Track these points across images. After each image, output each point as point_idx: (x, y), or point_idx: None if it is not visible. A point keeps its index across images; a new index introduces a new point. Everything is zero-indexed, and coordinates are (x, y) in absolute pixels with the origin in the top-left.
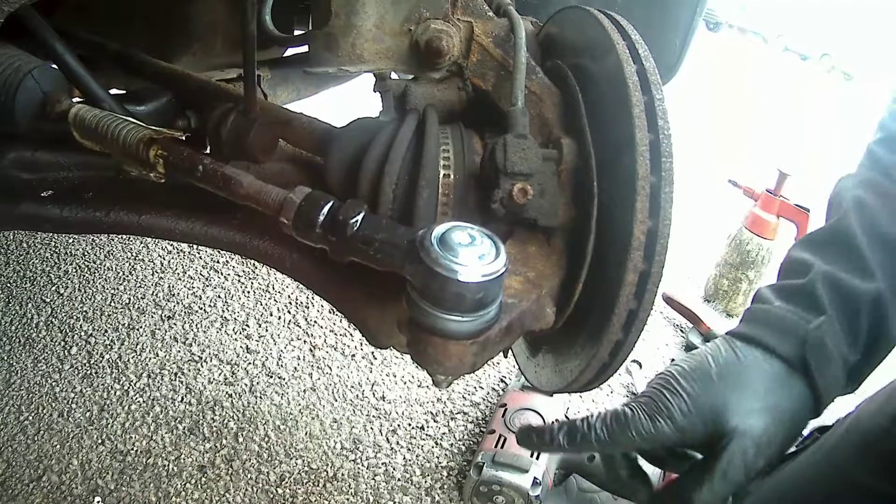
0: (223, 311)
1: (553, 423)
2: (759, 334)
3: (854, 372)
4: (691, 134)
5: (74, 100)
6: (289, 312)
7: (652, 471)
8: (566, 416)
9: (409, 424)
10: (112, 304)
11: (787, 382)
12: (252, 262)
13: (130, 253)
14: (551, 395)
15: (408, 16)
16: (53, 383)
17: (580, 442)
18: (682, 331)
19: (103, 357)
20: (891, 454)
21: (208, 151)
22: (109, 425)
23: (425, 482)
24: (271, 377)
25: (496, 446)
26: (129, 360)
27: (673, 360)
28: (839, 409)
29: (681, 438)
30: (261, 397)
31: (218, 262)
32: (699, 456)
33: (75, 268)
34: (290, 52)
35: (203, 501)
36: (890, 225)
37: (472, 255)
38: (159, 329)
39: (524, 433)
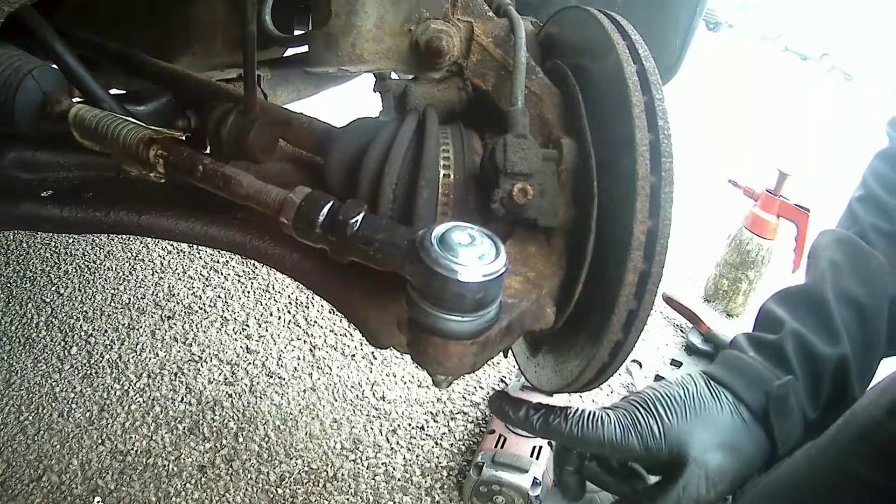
0: (223, 311)
1: (533, 404)
2: (730, 381)
3: (812, 427)
4: (691, 134)
5: (74, 100)
6: (289, 312)
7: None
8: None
9: (409, 424)
10: (112, 304)
11: (749, 428)
12: (252, 262)
13: (130, 253)
14: (551, 395)
15: (408, 16)
16: (53, 383)
17: (551, 430)
18: (682, 331)
19: (103, 357)
20: (885, 446)
21: (208, 151)
22: (109, 425)
23: (425, 482)
24: (271, 377)
25: (496, 446)
26: (129, 360)
27: (658, 376)
28: None
29: (644, 456)
30: (261, 397)
31: (218, 262)
32: (648, 480)
33: (75, 268)
34: (290, 52)
35: (203, 501)
36: (860, 290)
37: (472, 255)
38: (159, 329)
39: (496, 401)
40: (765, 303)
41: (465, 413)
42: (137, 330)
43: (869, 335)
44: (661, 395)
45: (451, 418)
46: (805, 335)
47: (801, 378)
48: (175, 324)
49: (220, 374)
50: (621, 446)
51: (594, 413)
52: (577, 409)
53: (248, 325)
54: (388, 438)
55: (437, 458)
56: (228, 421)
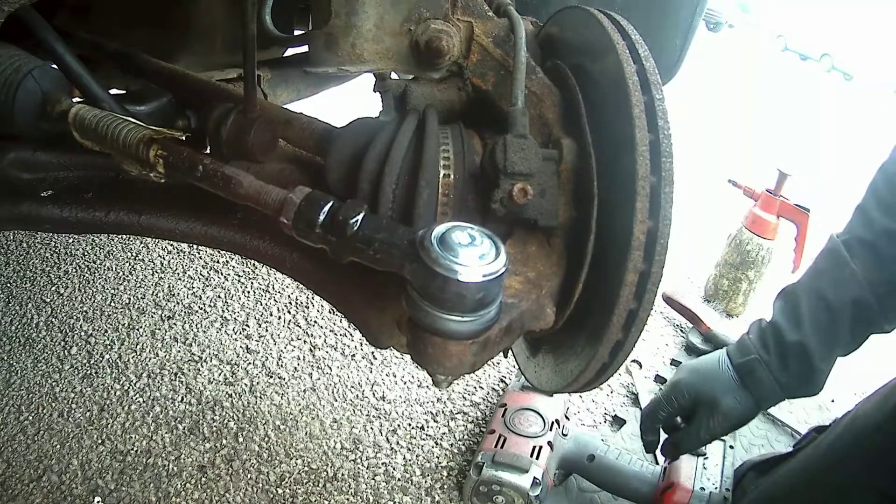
0: (223, 311)
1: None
2: (731, 354)
3: (789, 386)
4: (691, 134)
5: (74, 100)
6: (289, 312)
7: (652, 469)
8: (566, 416)
9: (409, 424)
10: (112, 304)
11: (737, 387)
12: (252, 262)
13: (130, 253)
14: (551, 395)
15: (408, 16)
16: (53, 383)
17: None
18: (682, 331)
19: (103, 357)
20: (886, 451)
21: (208, 151)
22: (109, 425)
23: (425, 482)
24: (271, 377)
25: (496, 446)
26: (129, 360)
27: (658, 376)
28: (838, 409)
29: (679, 410)
30: (261, 397)
31: (218, 262)
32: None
33: (75, 268)
34: (290, 52)
35: (203, 501)
36: (831, 293)
37: (472, 255)
38: (159, 329)
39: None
40: (776, 295)
41: (465, 413)
42: (137, 330)
43: (833, 328)
44: (686, 368)
45: (451, 418)
46: (779, 323)
47: (772, 354)
48: (175, 324)
49: (220, 374)
50: (671, 411)
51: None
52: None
53: (248, 325)
54: (388, 438)
55: (437, 458)
56: (228, 421)
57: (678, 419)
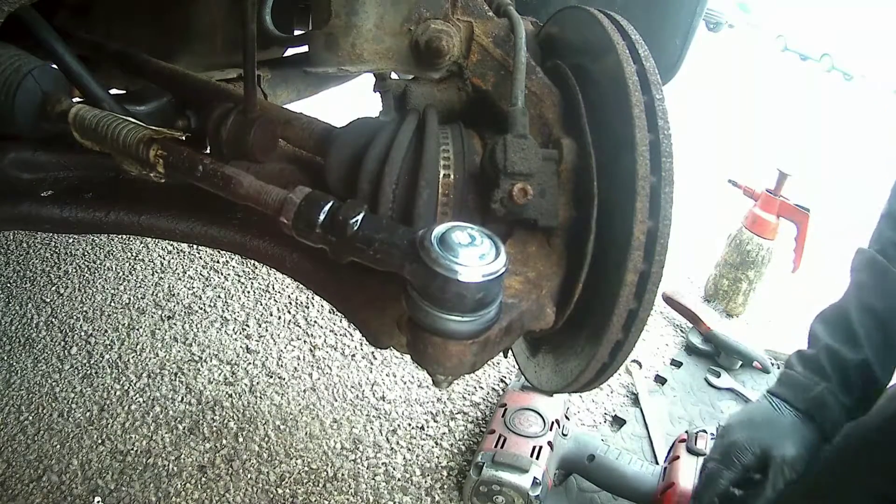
0: (223, 311)
1: None
2: (785, 394)
3: (852, 409)
4: (691, 134)
5: (74, 100)
6: (289, 312)
7: (653, 469)
8: (566, 416)
9: (409, 424)
10: (112, 304)
11: (803, 426)
12: (252, 262)
13: (130, 253)
14: (551, 395)
15: (408, 16)
16: (53, 383)
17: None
18: (682, 331)
19: (103, 357)
20: (888, 454)
21: (208, 151)
22: (109, 425)
23: (425, 482)
24: (271, 377)
25: (496, 446)
26: (129, 360)
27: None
28: None
29: (743, 474)
30: (261, 397)
31: (218, 262)
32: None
33: (75, 268)
34: (290, 52)
35: (203, 501)
36: (879, 303)
37: (472, 255)
38: (159, 329)
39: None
40: (811, 323)
41: (465, 413)
42: (137, 330)
43: (888, 339)
44: (738, 422)
45: (451, 418)
46: (834, 346)
47: (834, 380)
48: (175, 324)
49: (220, 374)
50: (729, 480)
51: (706, 474)
52: (702, 477)
53: (248, 325)
54: (388, 438)
55: (437, 458)
56: (228, 421)
57: (735, 490)
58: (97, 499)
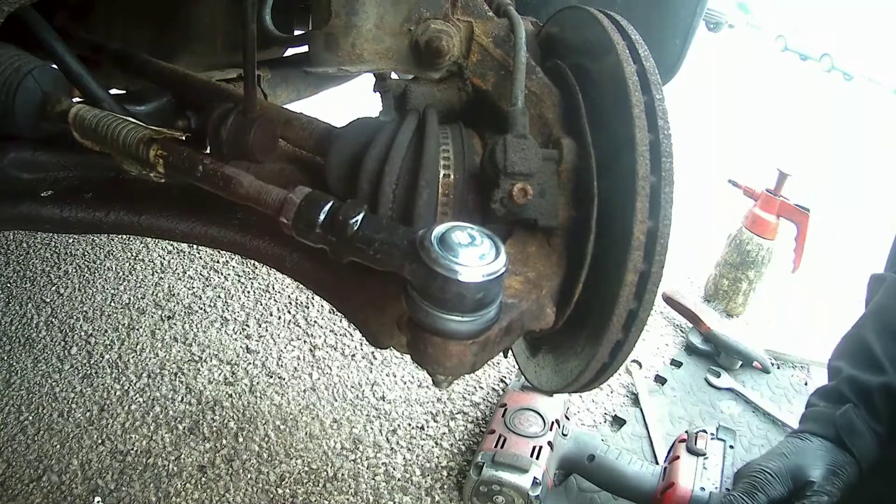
0: (223, 311)
1: None
2: (810, 428)
3: (888, 440)
4: (691, 134)
5: (74, 100)
6: (289, 312)
7: (653, 469)
8: (566, 416)
9: (409, 424)
10: (112, 304)
11: (833, 452)
12: (252, 262)
13: (130, 253)
14: (551, 395)
15: (408, 16)
16: (53, 383)
17: None
18: (682, 331)
19: (103, 357)
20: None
21: (208, 151)
22: (109, 425)
23: (425, 482)
24: (271, 377)
25: (496, 446)
26: (129, 360)
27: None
28: None
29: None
30: (261, 397)
31: (218, 262)
32: None
33: (75, 268)
34: (290, 52)
35: (203, 501)
36: None
37: (473, 255)
38: (159, 329)
39: None
40: (829, 360)
41: (465, 413)
42: (137, 330)
43: None
44: (767, 457)
45: (451, 418)
46: (855, 374)
47: (859, 406)
48: (175, 324)
49: (220, 374)
50: None
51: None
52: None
53: (248, 325)
54: (388, 438)
55: (437, 458)
56: (228, 421)
57: None
58: (97, 499)
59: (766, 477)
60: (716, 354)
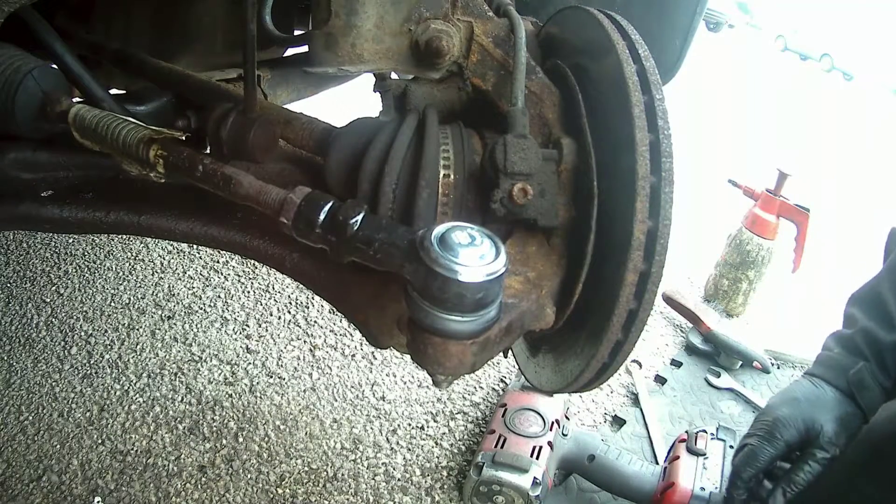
0: (223, 311)
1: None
2: (824, 374)
3: (890, 391)
4: (691, 134)
5: (74, 100)
6: (289, 312)
7: (653, 469)
8: (566, 416)
9: (409, 424)
10: (112, 304)
11: (844, 403)
12: (252, 262)
13: (130, 253)
14: (551, 395)
15: (408, 16)
16: (53, 383)
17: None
18: (682, 331)
19: (103, 357)
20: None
21: (208, 151)
22: (109, 425)
23: (425, 482)
24: (271, 377)
25: (496, 446)
26: (129, 360)
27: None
28: None
29: (786, 450)
30: (261, 397)
31: (218, 262)
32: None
33: (75, 268)
34: (290, 52)
35: (203, 501)
36: None
37: (473, 255)
38: (159, 329)
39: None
40: (846, 305)
41: (465, 413)
42: (137, 330)
43: None
44: (779, 400)
45: (451, 418)
46: (870, 327)
47: (871, 360)
48: (175, 324)
49: (220, 374)
50: (773, 455)
51: (747, 447)
52: (743, 453)
53: (248, 325)
54: (388, 438)
55: (437, 458)
56: (228, 421)
57: (781, 465)
58: (97, 499)
59: (783, 422)
60: (716, 354)
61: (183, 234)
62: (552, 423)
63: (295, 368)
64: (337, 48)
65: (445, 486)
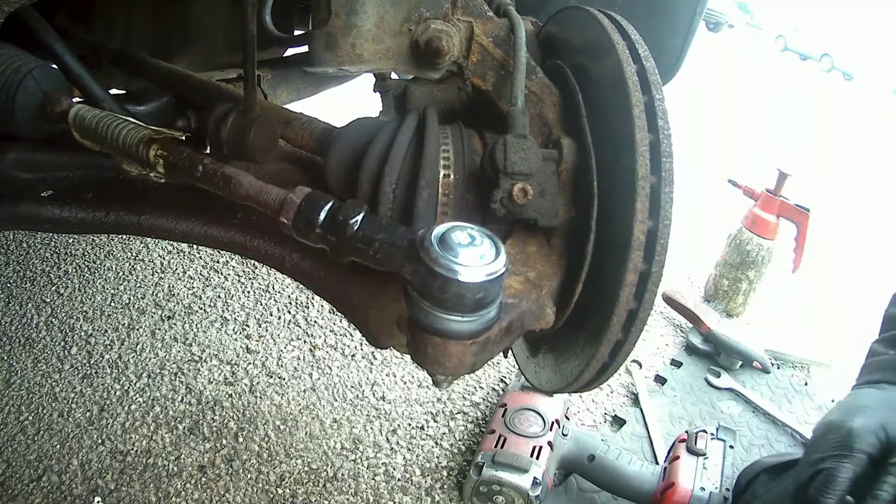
0: (223, 311)
1: None
2: (884, 377)
3: None
4: (691, 134)
5: (74, 100)
6: (289, 312)
7: (653, 469)
8: (566, 416)
9: (409, 424)
10: (112, 304)
11: None
12: (252, 262)
13: (130, 253)
14: (551, 395)
15: (407, 16)
16: (53, 383)
17: None
18: (682, 331)
19: (103, 357)
20: None
21: (208, 151)
22: (109, 425)
23: (425, 482)
24: (271, 377)
25: (496, 446)
26: (129, 360)
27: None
28: None
29: (868, 464)
30: (261, 397)
31: (218, 262)
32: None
33: (75, 268)
34: (290, 52)
35: (203, 501)
36: None
37: (472, 255)
38: (159, 329)
39: None
40: (886, 309)
41: (465, 413)
42: (137, 330)
43: None
44: (843, 416)
45: (451, 418)
46: None
47: None
48: (175, 324)
49: (220, 374)
50: (857, 470)
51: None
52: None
53: (248, 325)
54: (388, 438)
55: (437, 458)
56: (228, 421)
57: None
58: (97, 499)
59: (859, 433)
60: (716, 354)
61: (183, 234)
62: (552, 423)
63: (295, 368)
64: (337, 48)
65: (445, 486)
